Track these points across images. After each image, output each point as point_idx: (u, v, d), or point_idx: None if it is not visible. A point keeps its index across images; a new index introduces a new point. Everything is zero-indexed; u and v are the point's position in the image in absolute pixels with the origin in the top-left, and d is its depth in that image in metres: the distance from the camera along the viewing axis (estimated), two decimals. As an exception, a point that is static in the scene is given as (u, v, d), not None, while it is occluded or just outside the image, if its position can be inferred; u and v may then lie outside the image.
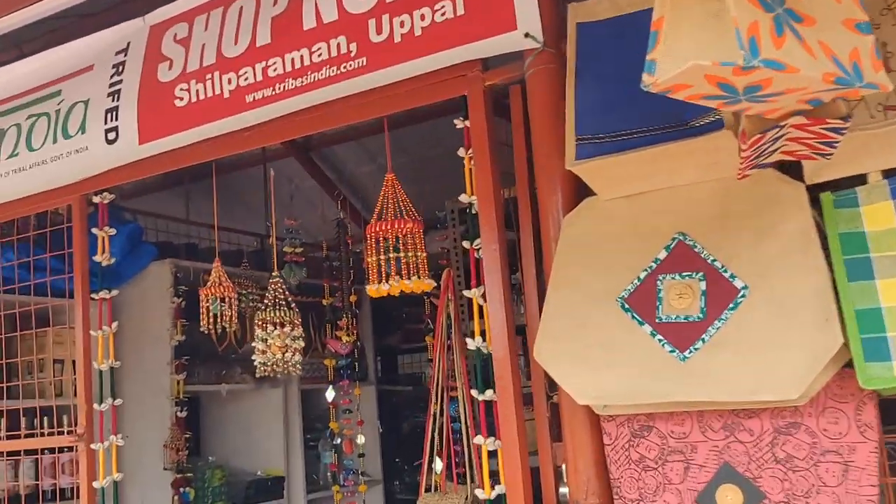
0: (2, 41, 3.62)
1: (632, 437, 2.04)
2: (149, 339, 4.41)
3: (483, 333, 2.44)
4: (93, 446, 3.04)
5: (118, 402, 3.09)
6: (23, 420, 4.01)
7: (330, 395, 4.31)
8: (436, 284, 3.25)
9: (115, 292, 3.17)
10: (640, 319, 1.99)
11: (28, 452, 3.97)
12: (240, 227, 6.31)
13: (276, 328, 2.79)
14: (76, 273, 3.15)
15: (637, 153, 1.92)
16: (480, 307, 2.45)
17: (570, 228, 2.16)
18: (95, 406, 3.08)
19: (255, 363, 2.86)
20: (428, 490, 3.38)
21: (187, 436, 4.52)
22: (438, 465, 3.95)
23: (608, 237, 2.11)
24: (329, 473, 5.58)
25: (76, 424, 3.97)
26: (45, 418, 3.85)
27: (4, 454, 3.82)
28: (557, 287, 2.11)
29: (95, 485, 3.01)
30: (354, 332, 4.42)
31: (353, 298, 4.29)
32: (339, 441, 4.37)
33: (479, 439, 2.40)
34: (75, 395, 4.45)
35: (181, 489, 4.41)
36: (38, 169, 3.17)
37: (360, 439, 4.34)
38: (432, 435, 3.39)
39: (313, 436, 5.50)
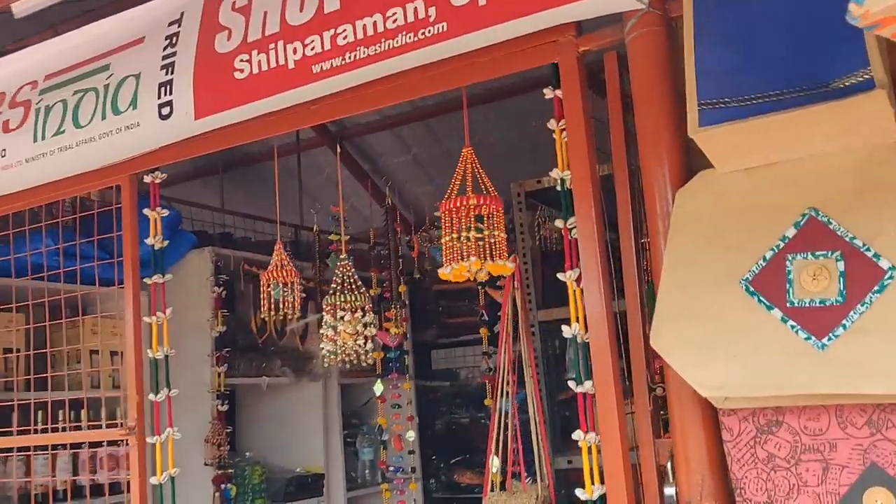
0: (37, 21, 3.47)
1: (758, 434, 1.85)
2: (188, 330, 4.24)
3: (578, 320, 2.25)
4: (149, 439, 2.87)
5: (174, 392, 2.92)
6: (59, 413, 3.87)
7: (378, 388, 4.13)
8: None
9: (168, 276, 2.99)
10: (767, 303, 1.80)
11: (62, 447, 3.82)
12: (272, 217, 6.15)
13: (346, 313, 2.60)
14: (126, 256, 2.98)
15: (773, 117, 1.73)
16: (575, 292, 2.27)
17: (685, 204, 1.97)
18: (150, 397, 2.90)
19: (323, 351, 2.68)
20: (492, 489, 3.20)
21: (228, 430, 4.36)
22: (496, 463, 3.77)
23: (727, 213, 1.92)
24: (367, 471, 5.43)
25: (117, 417, 3.85)
26: (79, 411, 3.70)
27: (31, 448, 3.66)
28: (673, 268, 1.93)
29: (153, 480, 2.84)
30: (404, 323, 4.24)
31: (402, 289, 4.12)
32: (386, 437, 4.20)
33: (578, 434, 2.21)
34: (113, 386, 4.32)
35: (222, 485, 4.25)
36: (85, 147, 2.99)
37: (410, 436, 4.15)
38: (497, 431, 3.20)
39: (350, 431, 5.34)
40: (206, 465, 4.24)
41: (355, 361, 2.69)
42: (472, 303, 6.09)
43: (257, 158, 6.94)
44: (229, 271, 4.51)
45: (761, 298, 1.81)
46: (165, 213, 3.02)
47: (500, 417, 3.16)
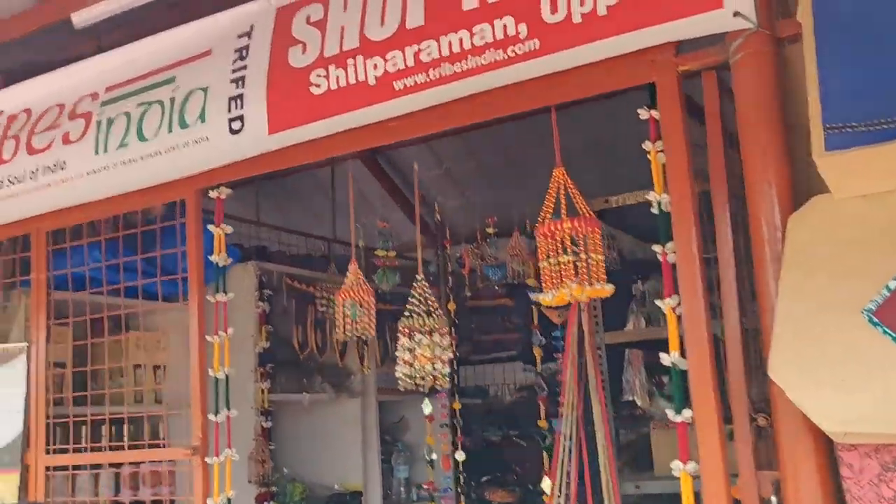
0: (83, 33, 3.43)
1: (882, 471, 1.79)
2: (232, 346, 4.19)
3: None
4: (208, 460, 2.81)
5: (233, 412, 2.86)
6: (101, 429, 3.81)
7: (427, 407, 4.06)
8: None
9: (231, 295, 2.94)
10: (894, 335, 1.74)
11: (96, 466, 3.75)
12: (304, 231, 6.11)
13: (423, 336, 2.55)
14: (191, 272, 2.92)
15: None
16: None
17: (798, 231, 1.92)
18: (211, 417, 2.85)
19: (398, 375, 2.62)
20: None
21: (271, 447, 4.30)
22: (547, 484, 3.71)
23: (846, 241, 1.86)
24: (402, 488, 5.36)
25: (159, 434, 3.79)
26: (116, 427, 3.65)
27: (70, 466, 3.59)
28: (789, 297, 1.87)
29: (210, 502, 2.78)
30: (454, 341, 4.17)
31: (451, 306, 4.05)
32: (435, 456, 4.13)
33: (676, 464, 2.14)
34: (157, 402, 4.26)
35: (265, 503, 4.19)
36: (150, 160, 2.94)
37: (460, 456, 4.08)
38: (562, 454, 3.13)
39: (384, 449, 5.27)
40: (249, 482, 4.17)
41: (429, 385, 2.63)
42: (506, 320, 6.04)
43: (291, 170, 6.91)
44: (272, 286, 4.46)
45: (886, 329, 1.75)
46: (230, 230, 2.97)
47: (564, 440, 3.09)
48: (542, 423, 3.83)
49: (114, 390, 3.49)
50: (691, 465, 2.14)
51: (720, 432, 2.07)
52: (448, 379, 2.63)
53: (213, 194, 2.98)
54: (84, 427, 3.50)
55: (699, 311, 2.10)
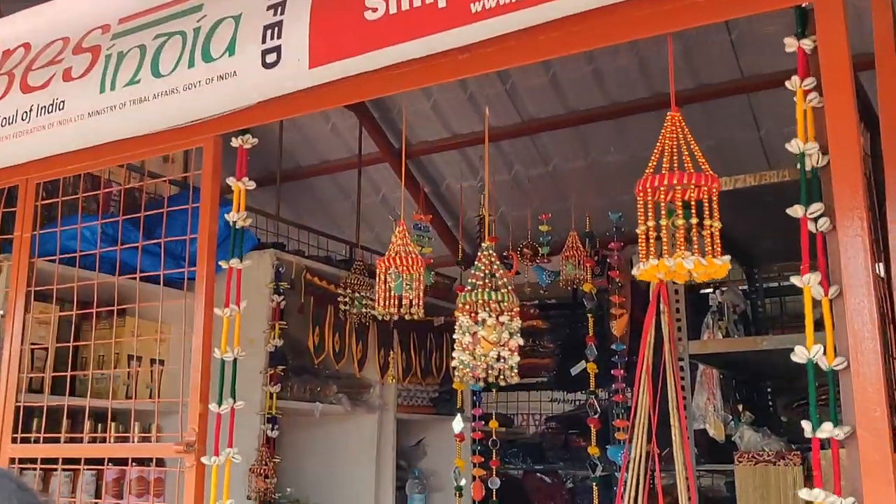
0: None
1: None
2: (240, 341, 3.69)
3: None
4: (205, 461, 2.30)
5: (240, 404, 2.35)
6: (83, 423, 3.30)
7: (458, 425, 3.54)
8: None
9: (247, 262, 2.45)
10: None
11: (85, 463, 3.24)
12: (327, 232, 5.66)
13: (488, 316, 2.03)
14: (202, 233, 2.44)
15: None
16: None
17: None
18: (212, 408, 2.34)
19: (455, 363, 2.10)
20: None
21: (276, 461, 3.77)
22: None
23: None
24: (418, 521, 4.81)
25: (151, 433, 3.28)
26: (101, 424, 3.14)
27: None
28: None
29: (205, 513, 2.26)
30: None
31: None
32: (462, 482, 3.60)
33: (816, 495, 1.62)
34: (150, 396, 3.75)
35: (267, 523, 3.65)
36: (165, 100, 2.47)
37: (495, 483, 3.55)
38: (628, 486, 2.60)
39: (398, 475, 4.73)
40: (248, 499, 3.65)
41: (495, 377, 2.11)
42: (537, 343, 5.51)
43: (313, 172, 6.47)
44: (290, 280, 3.96)
45: None
46: (252, 185, 2.48)
47: (632, 467, 2.55)
48: (594, 450, 3.30)
49: (99, 376, 2.96)
50: (849, 500, 1.61)
51: (891, 453, 1.55)
52: (515, 372, 2.11)
53: (235, 142, 2.50)
54: (62, 418, 3.01)
55: (866, 296, 1.60)
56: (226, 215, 2.44)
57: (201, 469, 2.31)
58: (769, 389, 3.67)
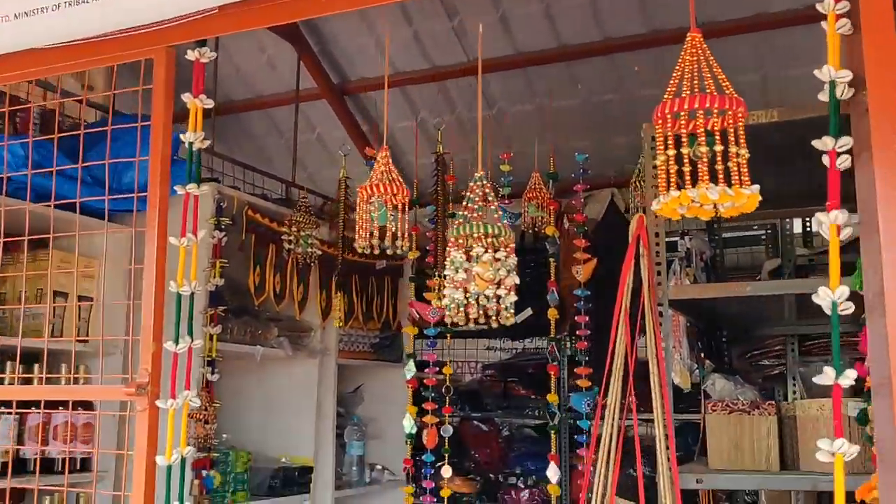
0: None
1: None
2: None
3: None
4: (160, 404, 2.09)
5: (198, 343, 2.15)
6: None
7: (409, 371, 3.40)
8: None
9: (205, 188, 2.22)
10: None
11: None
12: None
13: (484, 251, 1.86)
14: (154, 155, 2.19)
15: None
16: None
17: None
18: (167, 346, 2.13)
19: (445, 301, 1.92)
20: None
21: (217, 405, 3.57)
22: (553, 470, 3.10)
23: None
24: (355, 468, 4.68)
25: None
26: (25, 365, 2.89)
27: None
28: None
29: (160, 461, 2.06)
30: (450, 294, 3.51)
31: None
32: (411, 430, 3.46)
33: (826, 443, 1.53)
34: (80, 335, 3.48)
35: (204, 472, 3.46)
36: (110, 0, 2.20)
37: (447, 431, 3.43)
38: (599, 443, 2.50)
39: (337, 422, 4.58)
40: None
41: (486, 320, 1.95)
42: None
43: (247, 107, 6.15)
44: (231, 216, 3.72)
45: None
46: (211, 103, 2.25)
47: (608, 418, 2.46)
48: (553, 398, 3.20)
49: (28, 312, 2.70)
50: (854, 448, 1.53)
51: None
52: (511, 312, 1.96)
53: (191, 55, 2.25)
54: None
55: (902, 232, 1.50)
56: (181, 135, 2.20)
57: (154, 413, 2.10)
58: (724, 339, 3.64)
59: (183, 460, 2.15)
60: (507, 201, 3.30)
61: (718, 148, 1.64)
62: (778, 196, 3.26)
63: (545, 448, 5.34)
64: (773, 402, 2.59)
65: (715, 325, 3.50)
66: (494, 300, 1.88)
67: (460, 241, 1.92)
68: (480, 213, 1.95)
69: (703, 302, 2.84)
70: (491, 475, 5.39)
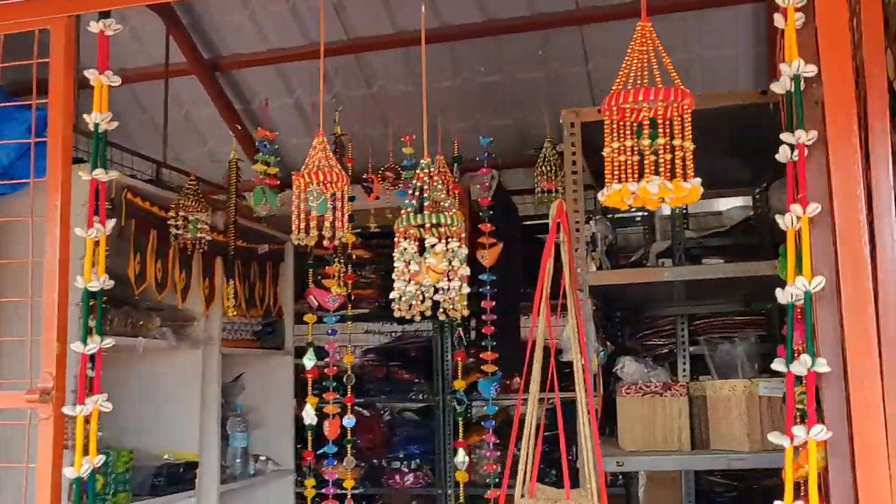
0: None
1: None
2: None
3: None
4: (67, 410, 1.91)
5: (108, 342, 1.97)
6: None
7: (309, 361, 3.27)
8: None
9: (114, 174, 2.04)
10: None
11: None
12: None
13: (436, 242, 1.77)
14: (53, 135, 1.98)
15: None
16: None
17: None
18: (74, 347, 1.94)
19: (394, 294, 1.80)
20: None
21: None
22: (462, 456, 3.09)
23: None
24: (238, 460, 4.51)
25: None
26: None
27: None
28: None
29: (68, 473, 1.89)
30: (349, 282, 3.40)
31: (350, 239, 3.27)
32: (312, 421, 3.34)
33: (798, 431, 1.56)
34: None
35: (86, 475, 3.22)
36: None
37: (350, 420, 3.33)
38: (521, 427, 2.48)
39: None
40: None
41: (449, 313, 1.86)
42: (359, 272, 5.29)
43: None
44: (109, 199, 3.45)
45: None
46: (118, 81, 2.05)
47: (531, 401, 2.44)
48: (460, 384, 3.17)
49: None
50: (818, 428, 1.56)
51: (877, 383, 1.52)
52: (465, 305, 1.89)
53: (94, 27, 2.05)
54: None
55: (856, 224, 1.54)
56: (85, 116, 2.00)
57: (60, 421, 1.92)
58: (618, 320, 3.72)
59: (93, 472, 1.97)
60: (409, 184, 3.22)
61: (661, 141, 1.63)
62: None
63: (427, 431, 5.36)
64: (685, 384, 2.65)
65: (612, 308, 3.57)
66: (452, 292, 1.80)
67: (406, 232, 1.84)
68: (430, 203, 1.88)
69: (610, 286, 2.88)
70: (374, 460, 5.33)
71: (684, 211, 4.00)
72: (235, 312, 3.85)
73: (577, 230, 2.49)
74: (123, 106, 6.16)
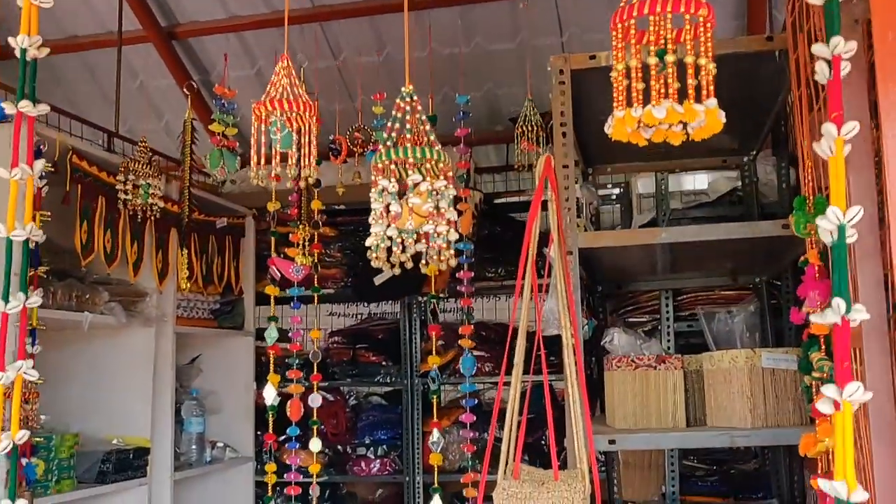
0: None
1: None
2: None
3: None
4: (-14, 378, 1.65)
5: (34, 301, 1.71)
6: None
7: (272, 336, 3.02)
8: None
9: (44, 107, 1.77)
10: None
11: None
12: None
13: (421, 179, 1.51)
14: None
15: None
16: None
17: None
18: (-4, 305, 1.68)
19: (370, 241, 1.54)
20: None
21: (40, 381, 3.04)
22: (437, 436, 2.87)
23: None
24: (194, 446, 4.25)
25: None
26: None
27: None
28: None
29: (-13, 449, 1.63)
30: (316, 251, 3.14)
31: (316, 205, 3.02)
32: (274, 402, 3.09)
33: (832, 391, 1.34)
34: None
35: (24, 459, 2.94)
36: None
37: (316, 401, 3.08)
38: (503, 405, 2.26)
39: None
40: (2, 430, 2.91)
41: (431, 260, 1.61)
42: (324, 251, 5.04)
43: (59, 48, 5.42)
44: (52, 161, 3.17)
45: None
46: (50, 3, 1.79)
47: (515, 374, 2.22)
48: (435, 360, 2.93)
49: None
50: (857, 389, 1.33)
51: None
52: (453, 252, 1.64)
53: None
54: None
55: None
56: (10, 38, 1.74)
57: (-22, 391, 1.66)
58: (598, 295, 3.52)
59: (15, 448, 1.72)
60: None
61: (670, 59, 1.40)
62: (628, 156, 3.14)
63: (394, 416, 5.13)
64: (679, 356, 2.45)
65: (595, 282, 3.37)
66: (437, 238, 1.56)
67: (385, 167, 1.59)
68: (410, 136, 1.63)
69: (594, 254, 2.67)
70: (339, 447, 5.08)
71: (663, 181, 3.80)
72: (190, 286, 3.56)
73: (567, 188, 2.26)
74: (75, 74, 5.85)
